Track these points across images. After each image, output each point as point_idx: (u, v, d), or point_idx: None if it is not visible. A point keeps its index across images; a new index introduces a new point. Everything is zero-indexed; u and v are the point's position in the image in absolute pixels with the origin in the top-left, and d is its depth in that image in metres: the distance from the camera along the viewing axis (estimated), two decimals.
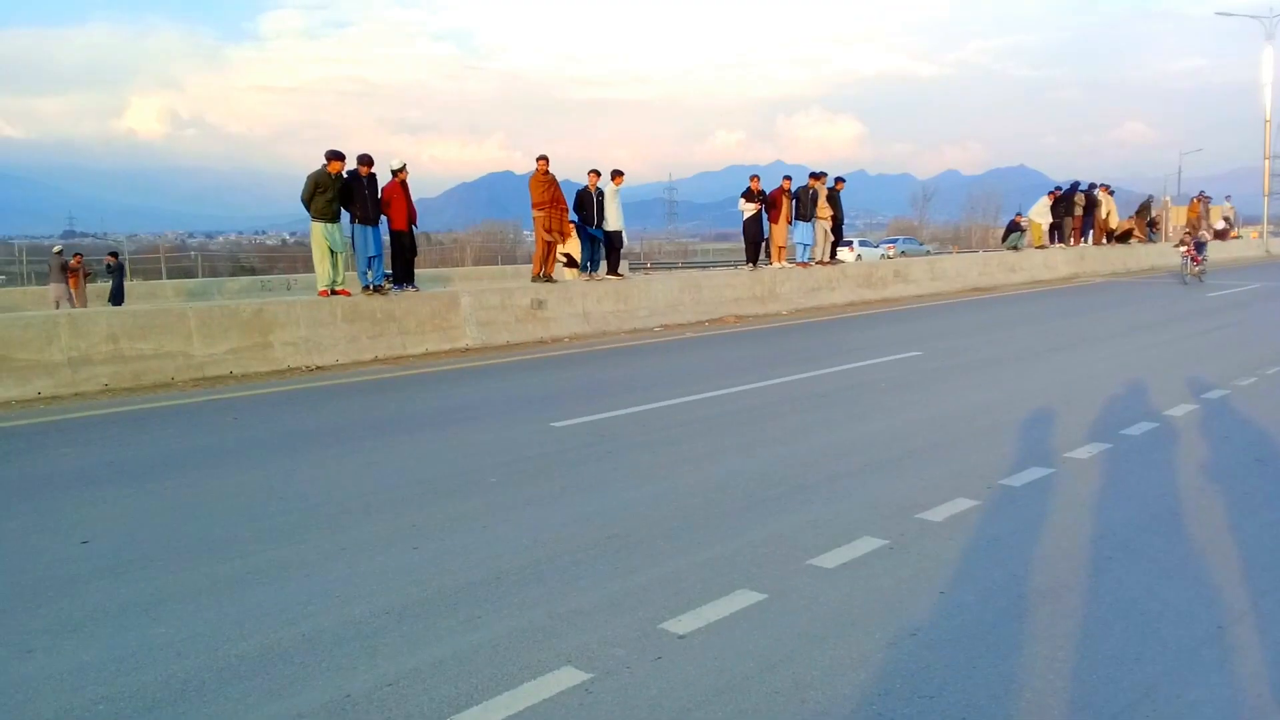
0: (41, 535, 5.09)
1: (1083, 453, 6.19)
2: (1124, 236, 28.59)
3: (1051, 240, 26.00)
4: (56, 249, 24.79)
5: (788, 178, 18.69)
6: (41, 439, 7.69)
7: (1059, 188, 26.80)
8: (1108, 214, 27.70)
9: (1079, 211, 26.37)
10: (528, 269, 31.71)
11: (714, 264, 48.05)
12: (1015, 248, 25.24)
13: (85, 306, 21.53)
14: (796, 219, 18.67)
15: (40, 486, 6.15)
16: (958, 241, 69.88)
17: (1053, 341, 12.31)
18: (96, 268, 25.46)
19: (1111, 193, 28.16)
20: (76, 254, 24.11)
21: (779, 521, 4.92)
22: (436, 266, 43.97)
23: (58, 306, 21.35)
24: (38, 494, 5.96)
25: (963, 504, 5.12)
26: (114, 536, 4.99)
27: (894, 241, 51.11)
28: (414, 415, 8.46)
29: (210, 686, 3.26)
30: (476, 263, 57.48)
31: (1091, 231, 27.19)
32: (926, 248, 54.14)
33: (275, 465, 6.59)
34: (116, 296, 23.32)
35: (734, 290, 17.16)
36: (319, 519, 5.20)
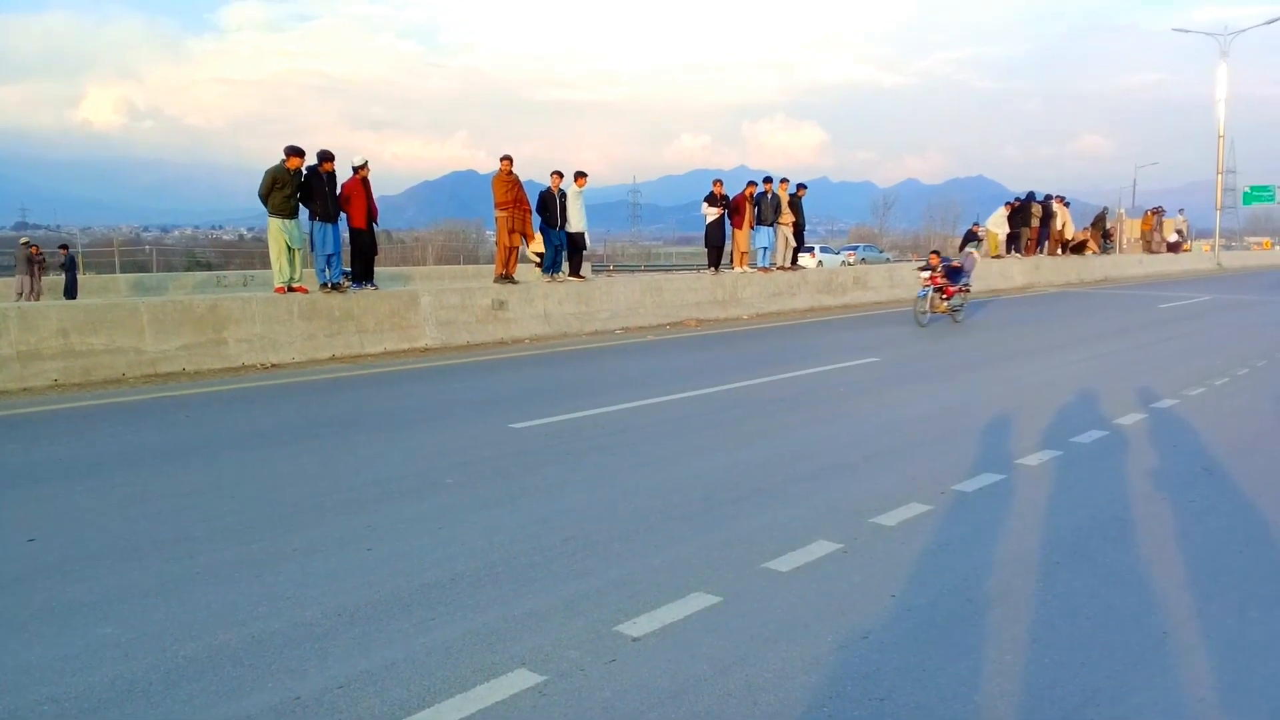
0: None
1: (1034, 459, 6.30)
2: (1079, 248, 29.13)
3: (1008, 250, 26.40)
4: (23, 240, 24.15)
5: (751, 183, 18.80)
6: None
7: (1017, 198, 27.24)
8: (1063, 225, 28.20)
9: (1035, 222, 26.81)
10: (490, 269, 31.56)
11: (677, 267, 48.17)
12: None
13: (40, 299, 21.08)
14: (759, 224, 18.78)
15: None
16: (917, 249, 70.74)
17: (1008, 349, 12.51)
18: (52, 260, 24.93)
19: (1067, 204, 28.67)
20: (34, 245, 23.58)
21: (735, 525, 4.95)
22: (398, 265, 43.62)
23: (19, 298, 20.87)
24: None
25: (916, 509, 5.18)
26: (61, 535, 4.89)
27: (855, 249, 51.61)
28: (371, 415, 8.38)
29: (158, 688, 3.20)
30: (438, 261, 57.11)
31: (1047, 242, 27.66)
32: (886, 255, 54.76)
33: (228, 464, 6.49)
34: (70, 291, 22.84)
35: (696, 294, 17.21)
36: (271, 519, 5.14)
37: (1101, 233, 30.97)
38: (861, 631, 3.63)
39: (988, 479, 5.79)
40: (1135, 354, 12.11)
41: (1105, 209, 33.56)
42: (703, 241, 19.11)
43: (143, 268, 44.91)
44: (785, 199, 19.24)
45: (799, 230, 19.89)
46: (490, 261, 42.50)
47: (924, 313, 15.19)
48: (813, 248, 41.78)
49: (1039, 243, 27.32)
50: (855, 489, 5.62)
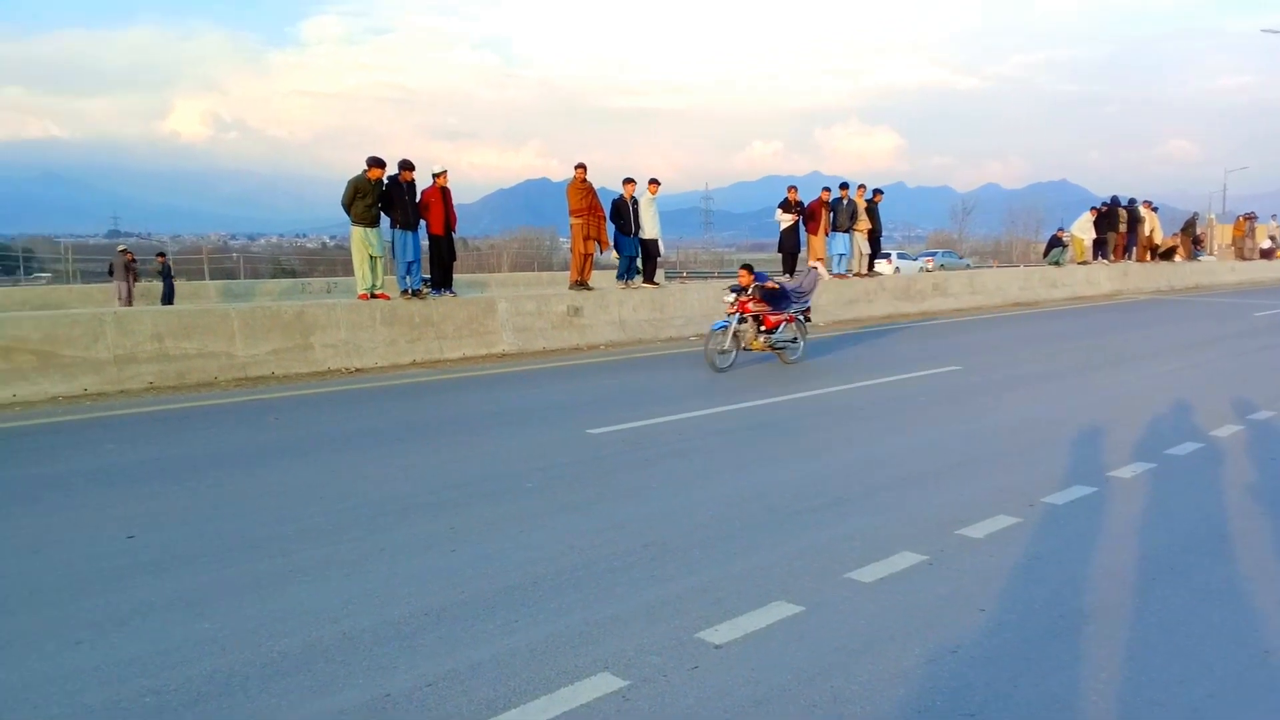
0: (88, 530, 5.18)
1: (1126, 472, 6.11)
2: (1168, 254, 28.16)
3: (1094, 256, 25.66)
4: (121, 248, 25.14)
5: (826, 189, 18.62)
6: (88, 435, 7.84)
7: (1103, 203, 26.46)
8: (1151, 231, 27.29)
9: (1122, 228, 26.01)
10: (563, 275, 31.82)
11: None
12: (1057, 263, 24.96)
13: (134, 305, 21.92)
14: (834, 230, 18.60)
15: (86, 482, 6.27)
16: (998, 256, 69.20)
17: (1096, 359, 12.14)
18: (149, 267, 25.89)
19: (1155, 210, 27.75)
20: (129, 252, 24.53)
21: (815, 534, 4.90)
22: (473, 272, 44.27)
23: (120, 303, 21.72)
24: (84, 489, 6.08)
25: (1004, 521, 5.06)
26: (159, 532, 5.07)
27: (933, 255, 50.71)
28: (451, 419, 8.52)
29: (254, 682, 3.30)
30: (513, 268, 57.79)
31: (1135, 248, 26.81)
32: (966, 261, 53.67)
33: (316, 465, 6.67)
34: (168, 298, 23.65)
35: None
36: (358, 519, 5.26)
37: (1191, 238, 29.88)
38: (950, 645, 3.56)
39: (1079, 491, 5.64)
40: (1230, 364, 11.65)
41: (1195, 214, 32.39)
42: (776, 248, 18.98)
43: (230, 275, 46.48)
44: (862, 205, 19.02)
45: (876, 236, 19.64)
46: (563, 268, 42.90)
47: (723, 351, 10.91)
48: (889, 254, 41.24)
49: (1126, 249, 26.50)
50: (939, 500, 5.51)
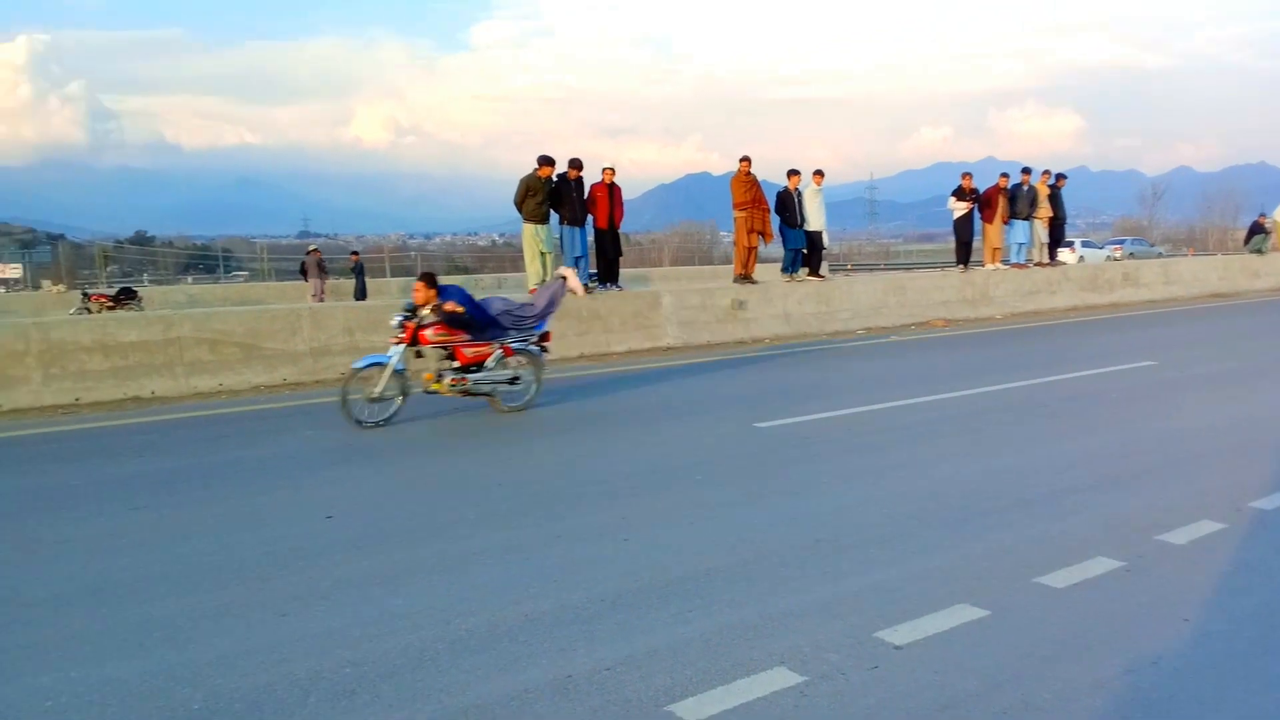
0: (291, 509, 5.58)
1: None
2: None
3: None
4: (312, 248, 26.86)
5: (1004, 175, 17.81)
6: (288, 421, 8.43)
7: None
8: None
9: None
10: (724, 269, 31.80)
11: (917, 265, 46.47)
12: (1259, 251, 22.97)
13: (324, 301, 23.37)
14: (1013, 218, 17.77)
15: (288, 465, 6.75)
16: (1192, 243, 64.25)
17: None
18: (341, 265, 27.53)
19: None
20: (318, 251, 26.17)
21: (1000, 535, 4.70)
22: (635, 267, 44.91)
23: (312, 300, 23.24)
24: (287, 472, 6.55)
25: (1207, 526, 4.71)
26: (354, 513, 5.40)
27: (1121, 242, 47.58)
28: (619, 411, 8.66)
29: (444, 658, 3.46)
30: (674, 263, 58.24)
31: None
32: (1158, 249, 50.14)
33: (493, 453, 6.93)
34: (360, 294, 25.06)
35: (943, 292, 16.52)
36: (534, 506, 5.43)
37: None
38: (1150, 656, 3.34)
39: None
40: None
41: None
42: (945, 238, 18.32)
43: (409, 272, 48.93)
44: (1044, 191, 18.09)
45: (1059, 224, 18.63)
46: (723, 262, 42.84)
47: (375, 398, 7.85)
48: (1073, 242, 39.03)
49: None
50: (1135, 503, 5.18)
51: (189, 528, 5.27)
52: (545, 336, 8.76)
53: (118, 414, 8.85)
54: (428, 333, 7.97)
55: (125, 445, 7.58)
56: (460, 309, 8.02)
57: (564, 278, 9.60)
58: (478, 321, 8.23)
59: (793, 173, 15.37)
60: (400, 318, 7.98)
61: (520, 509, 5.38)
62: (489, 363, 8.23)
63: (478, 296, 8.56)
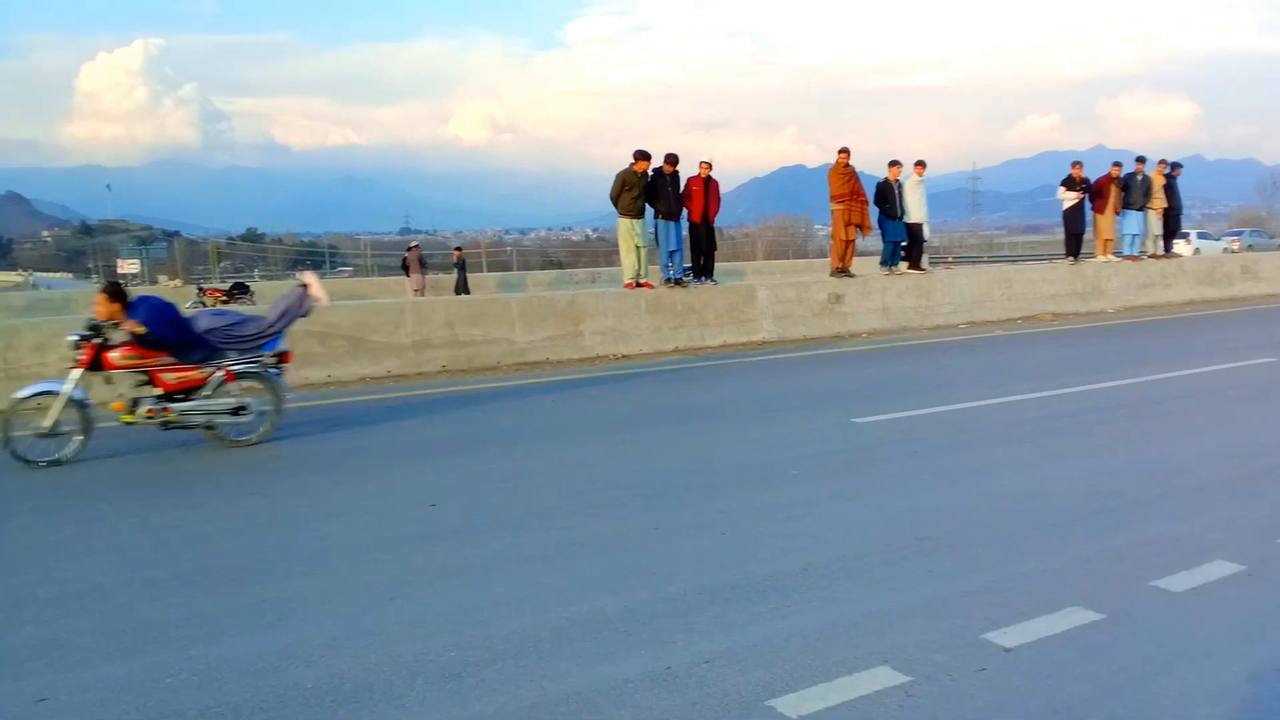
0: (395, 497, 5.73)
1: None
2: None
3: None
4: (413, 244, 27.51)
5: (1116, 164, 17.11)
6: (392, 412, 8.66)
7: None
8: None
9: None
10: (819, 263, 31.40)
11: (1022, 258, 45.01)
12: None
13: (425, 295, 23.91)
14: (1125, 208, 17.07)
15: (392, 453, 6.94)
16: None
17: None
18: (434, 261, 28.13)
19: None
20: (419, 247, 26.77)
21: (1112, 537, 4.52)
22: (728, 261, 44.71)
23: (414, 294, 23.81)
24: (391, 460, 6.73)
25: None
26: (457, 502, 5.52)
27: (1238, 234, 45.20)
28: (715, 405, 8.64)
29: (546, 645, 3.51)
30: (767, 256, 57.76)
31: None
32: (1278, 241, 47.48)
33: (590, 446, 7.00)
34: (462, 288, 25.56)
35: (1050, 285, 15.98)
36: (633, 498, 5.46)
37: None
38: (1274, 663, 3.19)
39: None
40: None
41: None
42: (1053, 230, 17.73)
43: (504, 267, 49.77)
44: (1159, 181, 17.31)
45: (1175, 214, 17.81)
46: (817, 255, 42.28)
47: (47, 433, 6.67)
48: (1188, 233, 37.28)
49: None
50: (1256, 506, 4.92)
51: (298, 512, 5.47)
52: (284, 356, 7.46)
53: None
54: (114, 355, 6.79)
55: None
56: (141, 328, 6.75)
57: (305, 285, 7.65)
58: (172, 342, 6.94)
59: (894, 163, 15.07)
60: (77, 336, 6.79)
61: (617, 501, 5.41)
62: (205, 389, 7.03)
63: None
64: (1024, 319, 14.95)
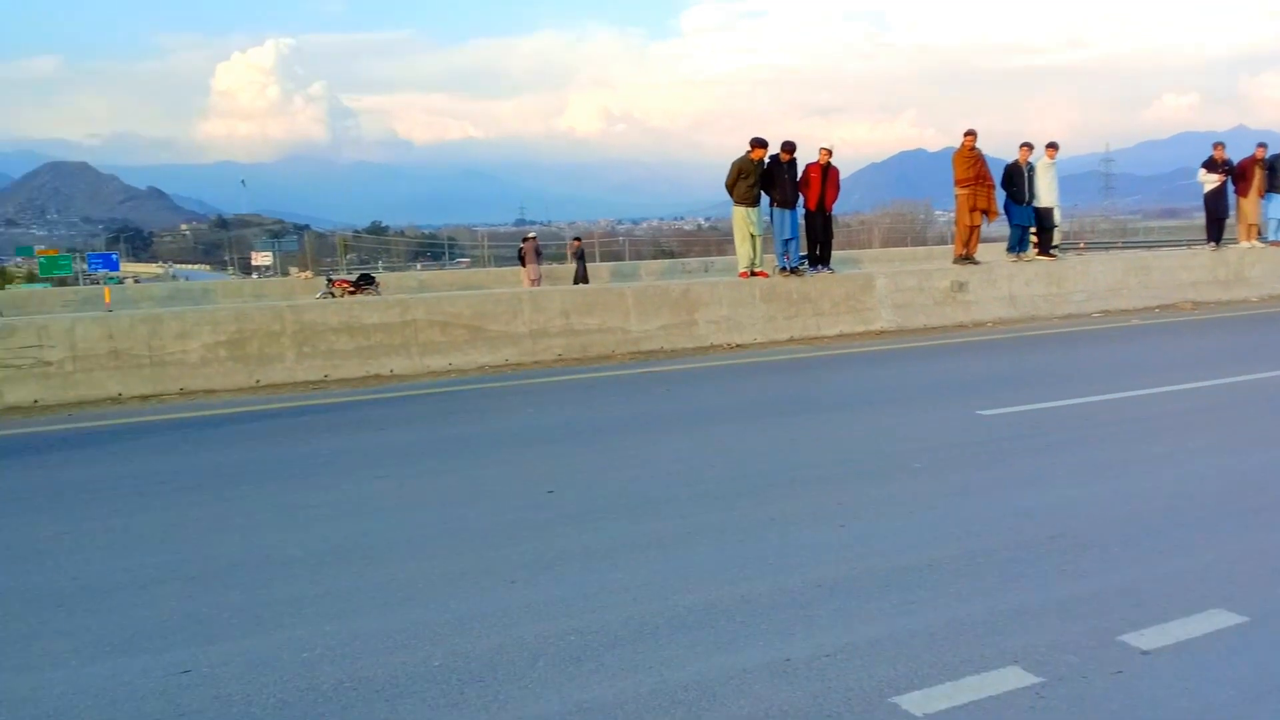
0: (515, 483, 5.84)
1: None
2: None
3: None
4: (530, 234, 27.99)
5: (1262, 145, 16.06)
6: (510, 400, 8.85)
7: None
8: None
9: None
10: (939, 250, 30.59)
11: (1158, 243, 42.77)
12: None
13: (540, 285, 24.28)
14: (1270, 191, 16.01)
15: (511, 440, 7.09)
16: None
17: None
18: (550, 251, 28.54)
19: None
20: (536, 237, 27.23)
21: (1260, 537, 4.26)
22: (843, 249, 43.94)
23: (530, 284, 24.24)
24: (510, 447, 6.88)
25: None
26: (574, 488, 5.60)
27: None
28: (832, 395, 8.51)
29: (664, 632, 3.52)
30: (884, 244, 56.56)
31: None
32: None
33: (705, 435, 6.98)
34: (582, 278, 25.86)
35: (1190, 273, 15.13)
36: (748, 488, 5.42)
37: None
38: None
39: None
40: None
41: None
42: (1190, 214, 16.80)
43: (617, 256, 50.17)
44: None
45: None
46: (937, 243, 41.12)
47: None
48: None
49: None
50: None
51: (424, 497, 5.64)
52: None
53: (360, 390, 9.60)
54: None
55: (368, 419, 8.22)
56: None
57: None
58: None
59: (1025, 145, 14.49)
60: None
61: (734, 491, 5.38)
62: None
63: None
64: (1161, 308, 14.20)
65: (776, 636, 3.44)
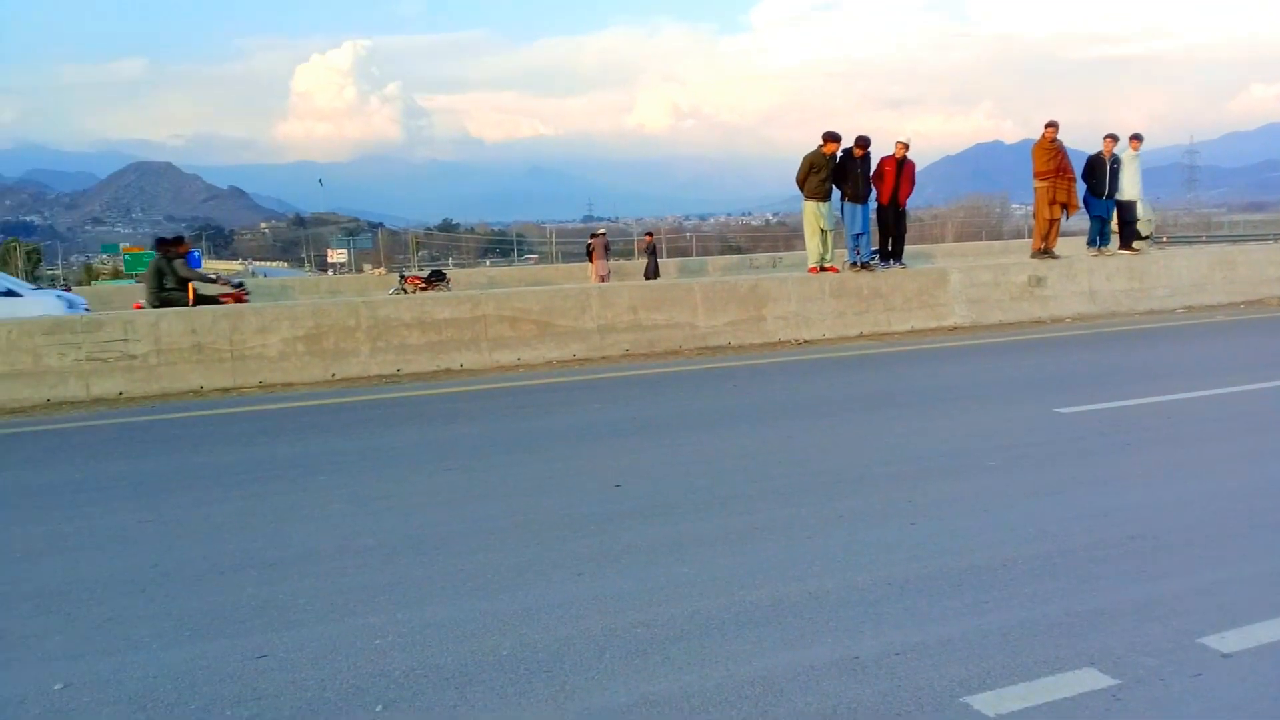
0: (582, 477, 5.88)
1: None
2: None
3: None
4: (599, 230, 28.21)
5: None
6: (578, 394, 8.91)
7: None
8: None
9: None
10: (1016, 244, 29.82)
11: (1245, 237, 41.15)
12: None
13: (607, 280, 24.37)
14: None
15: (579, 435, 7.14)
16: None
17: None
18: (618, 247, 28.72)
19: None
20: (604, 234, 27.38)
21: None
22: (915, 243, 43.21)
23: (597, 280, 24.38)
24: (576, 441, 6.93)
25: None
26: (641, 483, 5.62)
27: None
28: (903, 391, 8.38)
29: (730, 627, 3.52)
30: (958, 238, 55.48)
31: None
32: None
33: (773, 431, 6.94)
34: (653, 273, 25.92)
35: (1278, 268, 14.54)
36: (816, 485, 5.38)
37: None
38: None
39: None
40: None
41: None
42: (1279, 207, 16.07)
43: (684, 252, 50.13)
44: None
45: None
46: (1013, 236, 40.15)
47: None
48: None
49: None
50: None
51: (493, 488, 5.71)
52: None
53: (432, 384, 9.76)
54: None
55: (439, 412, 8.36)
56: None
57: None
58: None
59: (1109, 137, 14.10)
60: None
61: (801, 487, 5.34)
62: None
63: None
64: (1248, 304, 13.67)
65: (845, 634, 3.41)
